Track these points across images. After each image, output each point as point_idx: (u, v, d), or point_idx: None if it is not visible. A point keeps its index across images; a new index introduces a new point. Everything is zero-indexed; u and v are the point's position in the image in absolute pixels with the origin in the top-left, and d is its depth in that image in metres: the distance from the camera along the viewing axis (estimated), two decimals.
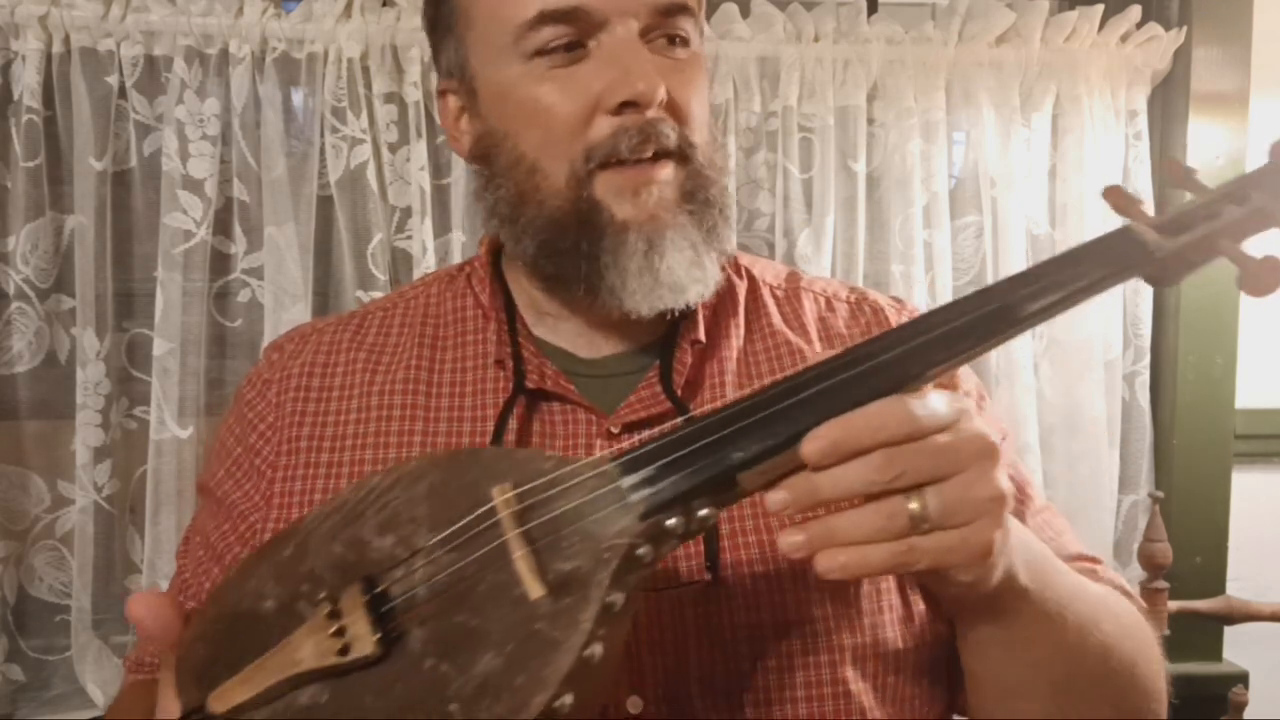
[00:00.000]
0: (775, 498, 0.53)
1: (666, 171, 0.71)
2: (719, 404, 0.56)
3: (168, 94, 1.53)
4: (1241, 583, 1.76)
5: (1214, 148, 1.74)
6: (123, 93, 1.53)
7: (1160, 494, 1.67)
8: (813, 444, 0.52)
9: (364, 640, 0.52)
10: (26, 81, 1.48)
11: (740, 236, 1.68)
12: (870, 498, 0.53)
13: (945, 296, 1.68)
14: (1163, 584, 1.60)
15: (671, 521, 0.53)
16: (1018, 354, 1.70)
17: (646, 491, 0.53)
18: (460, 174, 1.60)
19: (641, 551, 0.53)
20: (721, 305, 0.80)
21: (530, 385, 0.74)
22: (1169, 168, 0.61)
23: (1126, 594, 0.78)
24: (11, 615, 1.57)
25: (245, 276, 1.58)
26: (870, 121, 1.69)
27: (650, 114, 0.70)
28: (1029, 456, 1.70)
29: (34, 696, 1.58)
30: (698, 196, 0.72)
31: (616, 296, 0.71)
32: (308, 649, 0.53)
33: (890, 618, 0.71)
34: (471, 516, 0.54)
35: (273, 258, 1.55)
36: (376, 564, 0.55)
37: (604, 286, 0.71)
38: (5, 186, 1.52)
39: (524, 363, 0.75)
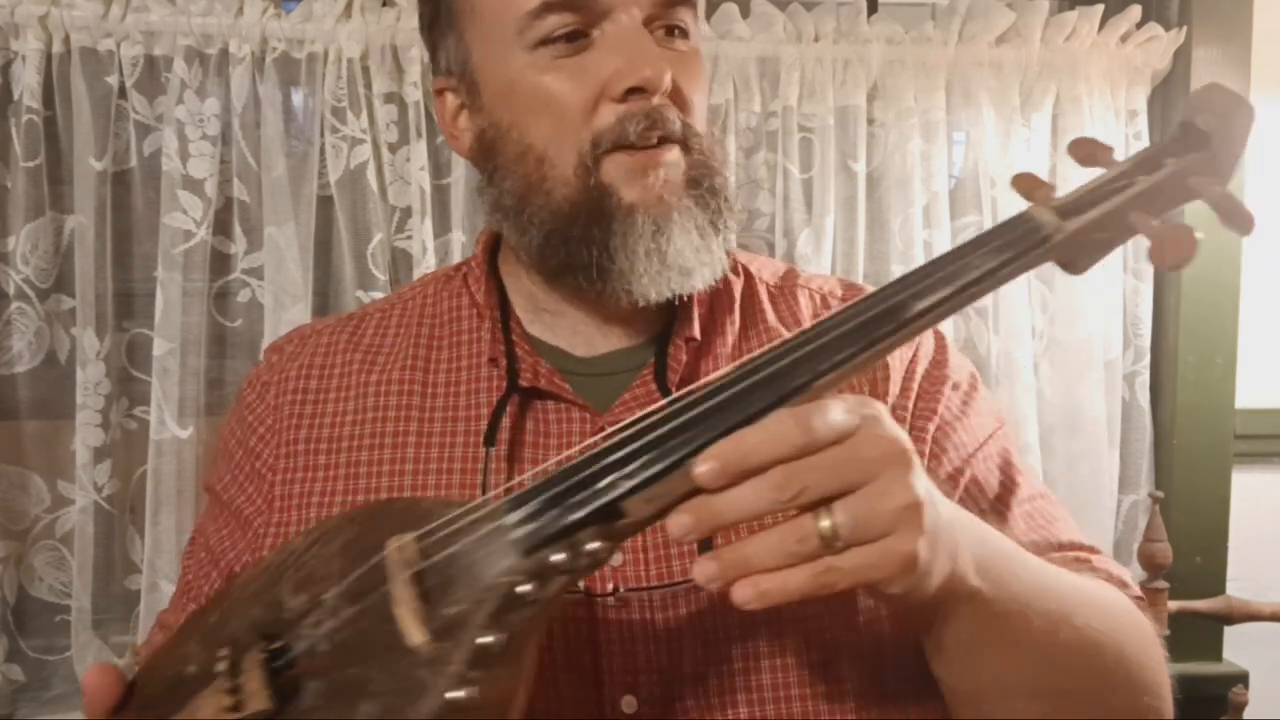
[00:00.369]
0: (676, 522, 0.51)
1: (673, 155, 0.71)
2: (610, 431, 0.54)
3: (168, 94, 1.52)
4: (1241, 583, 1.76)
5: None
6: (123, 93, 1.52)
7: (1160, 494, 1.67)
8: (702, 466, 0.50)
9: (256, 696, 0.52)
10: (26, 81, 1.48)
11: (740, 236, 1.67)
12: (785, 517, 0.51)
13: None
14: (1163, 584, 1.61)
15: (557, 557, 0.51)
16: (1018, 354, 1.70)
17: (529, 528, 0.52)
18: (460, 174, 1.60)
19: (524, 590, 0.51)
20: (718, 302, 0.80)
21: (524, 384, 0.74)
22: (1075, 147, 0.57)
23: (1122, 584, 0.74)
24: (11, 615, 1.57)
25: (245, 276, 1.58)
26: (870, 121, 1.69)
27: (656, 100, 0.70)
28: (1029, 456, 1.70)
29: (34, 696, 1.58)
30: (702, 183, 0.73)
31: (625, 280, 0.71)
32: (207, 709, 0.53)
33: (886, 616, 0.71)
34: (364, 568, 0.55)
35: (273, 258, 1.55)
36: (287, 623, 0.56)
37: (614, 271, 0.71)
38: (5, 186, 1.52)
39: (518, 361, 0.75)
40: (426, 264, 1.58)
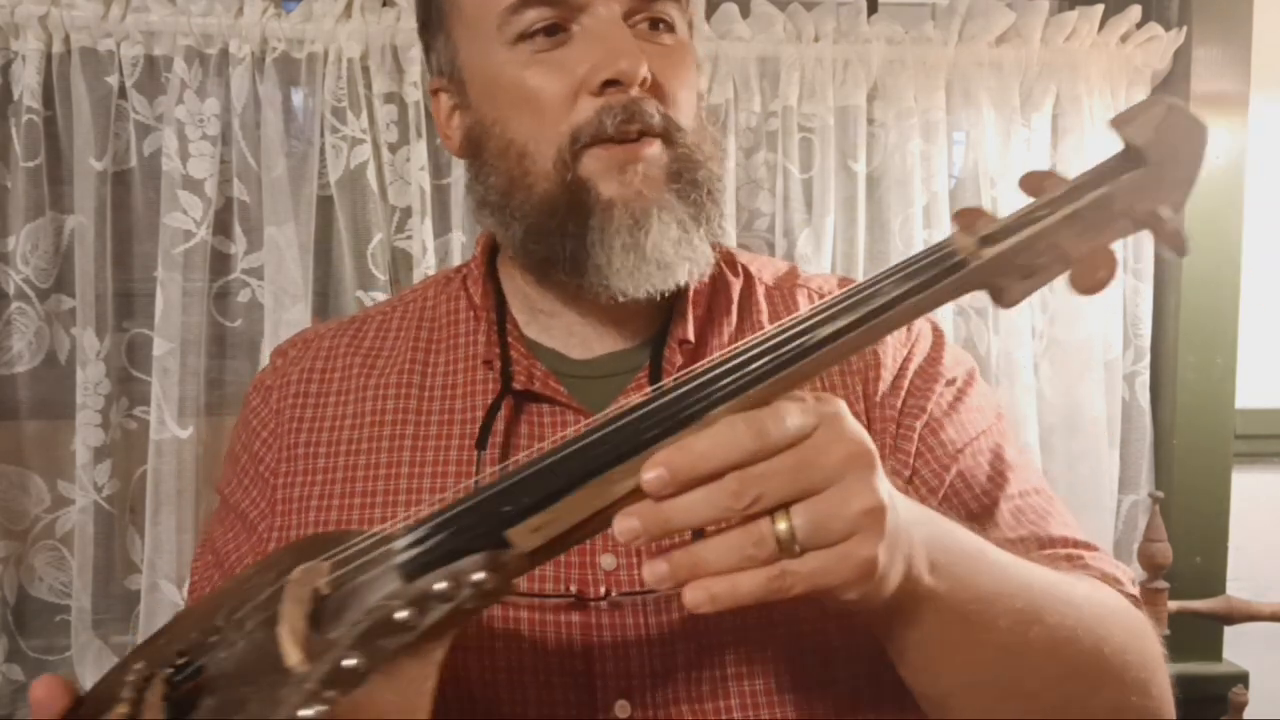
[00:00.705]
0: (622, 527, 0.49)
1: (653, 149, 0.71)
2: (529, 452, 0.53)
3: (168, 94, 1.52)
4: (1241, 583, 1.76)
5: (1213, 148, 1.74)
6: (123, 93, 1.52)
7: (1160, 494, 1.67)
8: (649, 473, 0.48)
9: (151, 708, 0.53)
10: (26, 81, 1.48)
11: (740, 236, 1.68)
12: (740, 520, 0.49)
13: None
14: (1163, 584, 1.61)
15: (439, 586, 0.50)
16: (1018, 354, 1.70)
17: (413, 553, 0.52)
18: (460, 174, 1.59)
19: (402, 616, 0.50)
20: (715, 304, 0.79)
21: (518, 386, 0.74)
22: (1024, 181, 0.53)
23: (1115, 582, 0.72)
24: (11, 615, 1.57)
25: (245, 276, 1.58)
26: (870, 121, 1.69)
27: (634, 93, 0.69)
28: (1029, 456, 1.70)
29: None
30: (684, 176, 0.72)
31: (603, 275, 0.70)
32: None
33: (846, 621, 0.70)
34: (269, 592, 0.55)
35: (273, 258, 1.55)
36: (206, 644, 0.57)
37: (590, 265, 0.70)
38: (5, 186, 1.52)
39: (512, 363, 0.75)
40: (426, 264, 1.58)
